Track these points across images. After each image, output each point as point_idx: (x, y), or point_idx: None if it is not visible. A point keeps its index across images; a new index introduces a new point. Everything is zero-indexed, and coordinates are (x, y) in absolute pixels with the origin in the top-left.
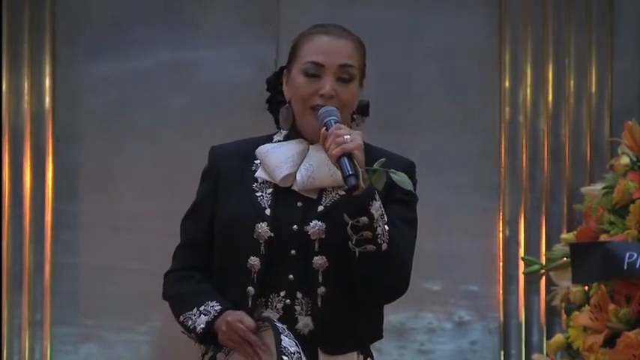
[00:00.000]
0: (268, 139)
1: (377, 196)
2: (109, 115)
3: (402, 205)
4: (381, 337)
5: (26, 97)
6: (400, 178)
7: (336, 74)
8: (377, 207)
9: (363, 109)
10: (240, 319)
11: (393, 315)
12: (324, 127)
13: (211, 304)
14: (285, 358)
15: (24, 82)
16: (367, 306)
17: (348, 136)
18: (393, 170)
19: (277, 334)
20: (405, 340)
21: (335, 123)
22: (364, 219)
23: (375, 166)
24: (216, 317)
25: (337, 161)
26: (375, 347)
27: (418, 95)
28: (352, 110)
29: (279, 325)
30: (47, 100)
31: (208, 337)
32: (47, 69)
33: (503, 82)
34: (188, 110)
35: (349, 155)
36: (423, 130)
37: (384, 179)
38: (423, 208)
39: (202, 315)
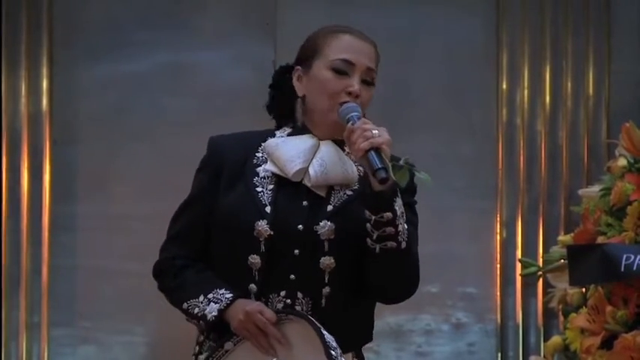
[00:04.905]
0: (271, 133)
1: (399, 193)
2: (106, 117)
3: (409, 209)
4: (371, 339)
5: (23, 99)
6: (423, 177)
7: (362, 75)
8: (400, 204)
9: None
10: (260, 310)
11: (390, 317)
12: (349, 123)
13: (221, 291)
14: (332, 352)
15: (21, 84)
16: (371, 304)
17: (377, 131)
18: (417, 169)
19: (318, 329)
20: (403, 342)
21: (359, 119)
22: (388, 214)
23: (401, 162)
24: (228, 305)
25: (364, 155)
26: (372, 349)
27: (416, 97)
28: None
29: (314, 320)
30: (44, 102)
31: (216, 325)
32: (44, 71)
33: (500, 84)
34: (186, 112)
35: (376, 149)
36: (421, 132)
37: (408, 177)
38: (421, 210)
39: (212, 303)
